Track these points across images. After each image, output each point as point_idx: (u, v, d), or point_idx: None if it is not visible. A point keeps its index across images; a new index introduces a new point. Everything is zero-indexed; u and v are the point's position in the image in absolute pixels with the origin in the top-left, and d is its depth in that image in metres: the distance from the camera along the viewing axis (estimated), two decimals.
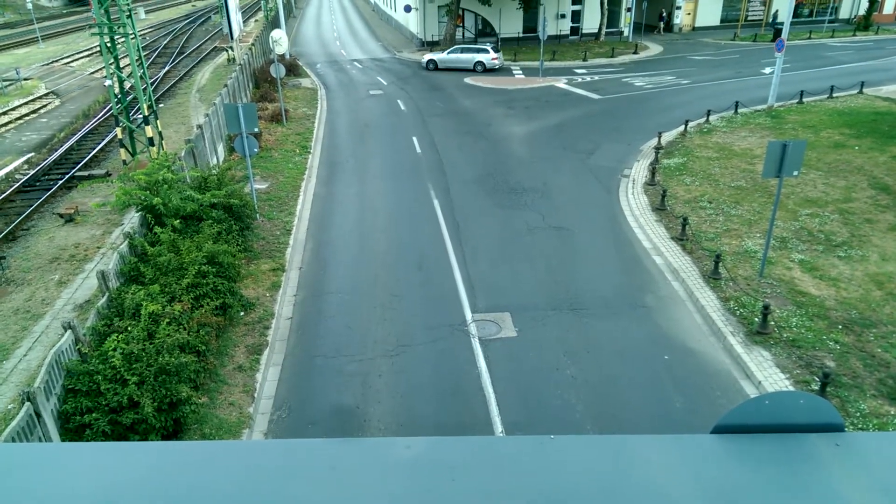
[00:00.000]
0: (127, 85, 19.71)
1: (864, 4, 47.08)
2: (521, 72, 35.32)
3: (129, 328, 8.88)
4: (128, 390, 7.90)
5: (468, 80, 33.65)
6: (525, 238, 15.37)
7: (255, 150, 15.62)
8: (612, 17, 44.97)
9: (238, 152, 15.82)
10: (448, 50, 35.76)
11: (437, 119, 26.21)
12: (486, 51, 35.12)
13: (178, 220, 11.82)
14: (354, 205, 17.69)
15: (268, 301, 12.49)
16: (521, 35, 43.50)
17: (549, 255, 14.46)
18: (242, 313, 11.82)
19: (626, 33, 44.56)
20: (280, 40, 25.25)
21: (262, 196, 17.35)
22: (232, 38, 32.04)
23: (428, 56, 36.36)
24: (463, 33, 44.34)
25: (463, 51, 35.70)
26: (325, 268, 14.16)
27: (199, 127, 17.69)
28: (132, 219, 15.08)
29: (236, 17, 31.93)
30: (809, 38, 42.86)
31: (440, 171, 20.02)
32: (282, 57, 27.36)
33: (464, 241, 15.22)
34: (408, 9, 44.44)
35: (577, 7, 44.52)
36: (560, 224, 16.11)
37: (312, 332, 11.77)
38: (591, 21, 44.40)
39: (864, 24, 46.15)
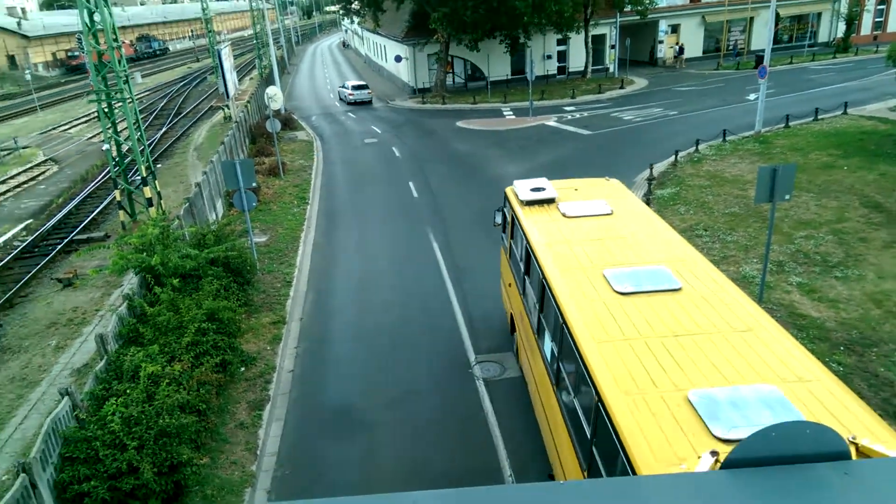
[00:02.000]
0: (125, 148, 20.14)
1: (842, 27, 48.24)
2: (511, 113, 35.98)
3: (127, 391, 8.87)
4: (127, 455, 7.84)
5: (460, 123, 34.26)
6: None
7: (254, 204, 15.85)
8: (597, 54, 46.04)
9: (237, 207, 16.03)
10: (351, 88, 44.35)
11: (432, 163, 26.60)
12: (366, 87, 45.19)
13: (177, 279, 11.92)
14: (354, 252, 17.83)
15: (269, 354, 12.47)
16: (509, 77, 44.46)
17: None
18: (243, 369, 11.80)
19: (611, 69, 45.54)
20: (275, 96, 25.86)
21: (261, 249, 17.50)
22: (228, 97, 32.80)
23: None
24: (453, 79, 45.35)
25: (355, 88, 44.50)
26: (326, 317, 14.18)
27: (198, 185, 17.98)
28: (131, 280, 15.19)
29: (231, 77, 32.77)
30: (791, 62, 43.74)
31: (438, 215, 20.22)
32: (277, 112, 27.96)
33: (464, 282, 15.28)
34: (398, 59, 45.58)
35: (562, 47, 45.62)
36: None
37: (315, 383, 11.72)
38: (577, 59, 45.43)
39: (843, 46, 47.15)
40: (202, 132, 35.45)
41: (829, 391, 5.67)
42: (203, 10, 42.75)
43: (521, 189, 10.71)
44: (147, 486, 7.80)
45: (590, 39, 43.85)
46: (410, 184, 23.71)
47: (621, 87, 39.78)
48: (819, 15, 49.36)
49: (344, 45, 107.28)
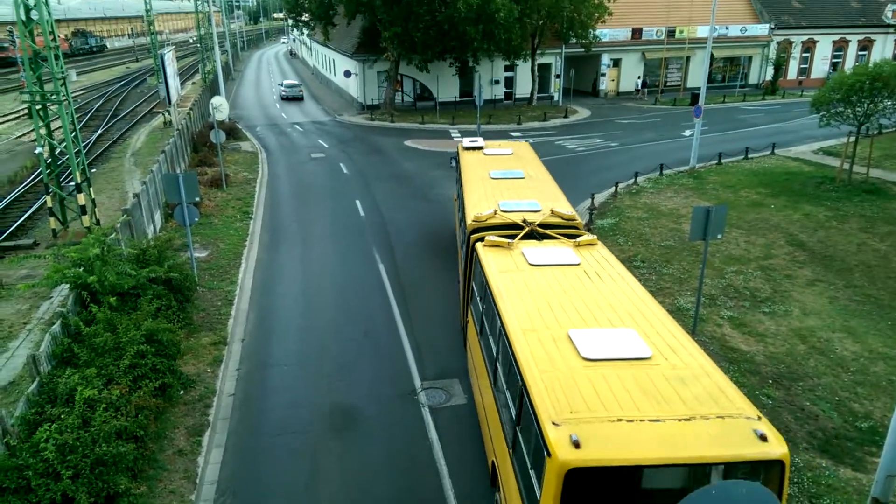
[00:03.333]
0: (57, 150, 19.18)
1: (771, 71, 51.54)
2: (459, 134, 36.43)
3: (62, 416, 8.43)
4: (62, 485, 7.45)
5: (408, 142, 34.46)
6: None
7: (196, 219, 15.41)
8: (542, 82, 47.37)
9: (177, 222, 15.54)
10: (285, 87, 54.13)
11: (379, 181, 26.59)
12: (298, 86, 55.53)
13: (114, 298, 11.43)
14: (299, 270, 17.57)
15: (209, 377, 12.11)
16: (458, 99, 45.08)
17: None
18: (182, 392, 11.41)
19: (556, 98, 46.91)
20: (220, 107, 25.28)
21: (202, 265, 17.00)
22: (170, 102, 31.79)
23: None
24: (402, 98, 45.60)
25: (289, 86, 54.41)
26: (269, 338, 13.90)
27: (136, 196, 17.33)
28: (62, 291, 14.45)
29: (174, 83, 31.80)
30: (724, 102, 46.31)
31: (384, 234, 20.22)
32: (221, 122, 27.33)
33: (410, 304, 15.31)
34: (348, 74, 45.47)
35: (509, 74, 46.70)
36: None
37: (257, 408, 11.45)
38: (524, 86, 46.60)
39: (771, 89, 50.37)
40: (141, 137, 34.21)
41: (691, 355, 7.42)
42: (146, 10, 41.40)
43: (465, 142, 18.45)
44: None
45: (536, 68, 45.12)
46: (357, 201, 23.62)
47: (565, 116, 41.03)
48: (750, 58, 52.55)
49: (291, 54, 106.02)
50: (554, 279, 9.28)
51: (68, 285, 12.37)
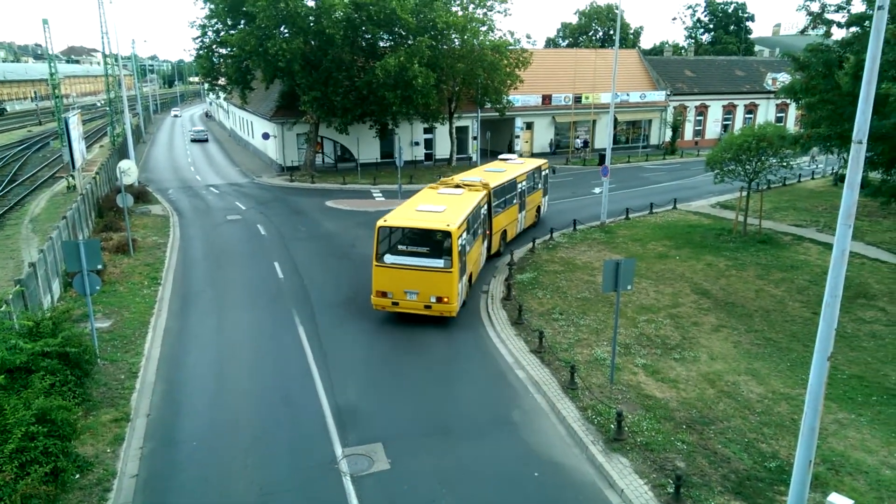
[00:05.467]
0: None
1: (669, 133, 55.61)
2: (381, 195, 36.75)
3: None
4: None
5: (330, 203, 34.34)
6: (393, 362, 15.37)
7: (98, 287, 14.52)
8: (461, 144, 48.93)
9: (77, 291, 14.59)
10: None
11: (299, 242, 26.19)
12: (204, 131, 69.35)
13: (2, 376, 10.45)
14: (211, 338, 16.78)
15: (109, 458, 11.16)
16: (379, 160, 45.70)
17: (418, 378, 14.53)
18: (78, 476, 10.43)
19: (474, 158, 48.42)
20: (129, 170, 24.40)
21: (104, 336, 15.94)
22: (74, 166, 30.39)
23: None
24: (323, 159, 45.71)
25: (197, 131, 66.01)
26: (177, 412, 13.05)
27: (32, 265, 16.19)
28: None
29: (79, 147, 30.52)
30: (628, 161, 49.35)
31: (304, 297, 19.77)
32: (130, 186, 26.31)
33: (332, 369, 14.89)
34: (266, 136, 45.24)
35: (429, 136, 48.00)
36: (429, 344, 16.36)
37: (162, 489, 10.60)
38: (443, 148, 47.94)
39: (671, 149, 54.24)
40: (41, 202, 32.35)
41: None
42: (51, 74, 39.90)
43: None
44: None
45: (454, 130, 46.63)
46: (276, 263, 23.10)
47: None
48: (650, 121, 56.59)
49: (207, 116, 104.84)
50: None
51: None
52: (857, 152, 7.32)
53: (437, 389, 14.04)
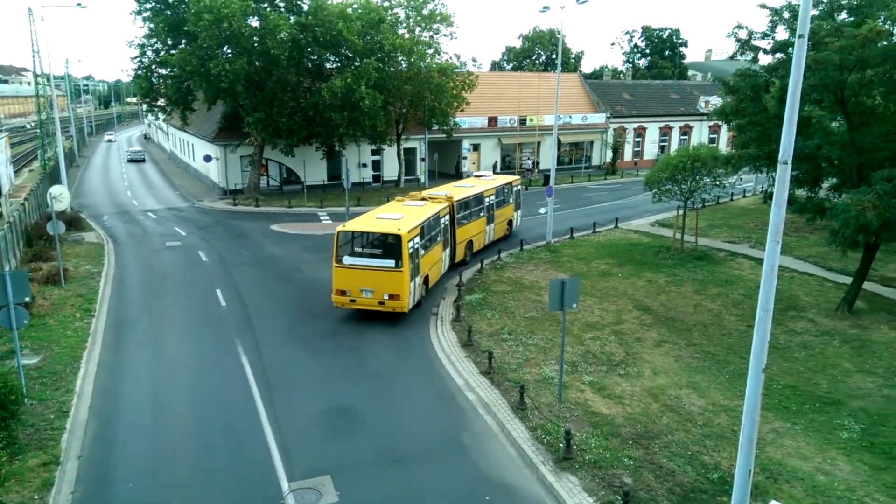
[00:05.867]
0: None
1: (610, 154, 57.34)
2: (328, 217, 36.37)
3: None
4: None
5: (275, 227, 33.74)
6: (341, 388, 15.08)
7: (25, 322, 13.74)
8: (409, 165, 49.04)
9: (3, 325, 13.76)
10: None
11: (243, 268, 25.56)
12: (141, 151, 72.15)
13: None
14: (148, 372, 16.07)
15: None
16: (326, 182, 45.29)
17: (367, 404, 14.29)
18: None
19: (422, 180, 48.64)
20: (60, 196, 23.36)
21: (32, 374, 15.05)
22: (0, 193, 28.87)
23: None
24: (268, 182, 44.96)
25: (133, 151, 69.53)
26: (112, 452, 12.38)
27: None
28: None
29: (6, 171, 29.07)
30: (572, 181, 50.54)
31: (248, 324, 19.24)
32: (62, 213, 25.17)
33: (276, 399, 14.48)
34: (208, 158, 44.19)
35: (376, 157, 47.94)
36: (377, 369, 16.15)
37: None
38: (391, 169, 47.94)
39: (611, 169, 55.88)
40: None
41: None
42: None
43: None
44: None
45: (402, 152, 46.76)
46: (218, 291, 22.44)
47: None
48: (592, 143, 58.22)
49: (146, 138, 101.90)
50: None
51: None
52: (784, 172, 7.70)
53: (386, 416, 13.84)
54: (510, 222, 31.03)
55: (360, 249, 19.54)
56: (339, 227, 19.60)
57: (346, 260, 19.19)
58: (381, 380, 15.61)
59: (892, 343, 17.40)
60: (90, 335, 18.03)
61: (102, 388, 15.03)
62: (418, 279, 20.05)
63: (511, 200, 30.78)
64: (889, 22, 17.25)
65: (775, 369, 15.70)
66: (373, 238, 19.76)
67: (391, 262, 18.88)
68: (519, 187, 31.94)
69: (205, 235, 31.67)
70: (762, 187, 42.85)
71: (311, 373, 15.98)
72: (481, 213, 27.33)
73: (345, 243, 19.38)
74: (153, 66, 41.88)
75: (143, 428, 13.28)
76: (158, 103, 45.27)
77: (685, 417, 13.49)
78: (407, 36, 42.43)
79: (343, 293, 19.19)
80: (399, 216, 20.52)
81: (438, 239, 22.53)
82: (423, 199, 24.18)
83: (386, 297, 18.81)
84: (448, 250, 24.07)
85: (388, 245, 19.16)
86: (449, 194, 24.89)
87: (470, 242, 26.34)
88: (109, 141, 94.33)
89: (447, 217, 23.88)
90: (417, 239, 19.83)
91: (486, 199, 27.78)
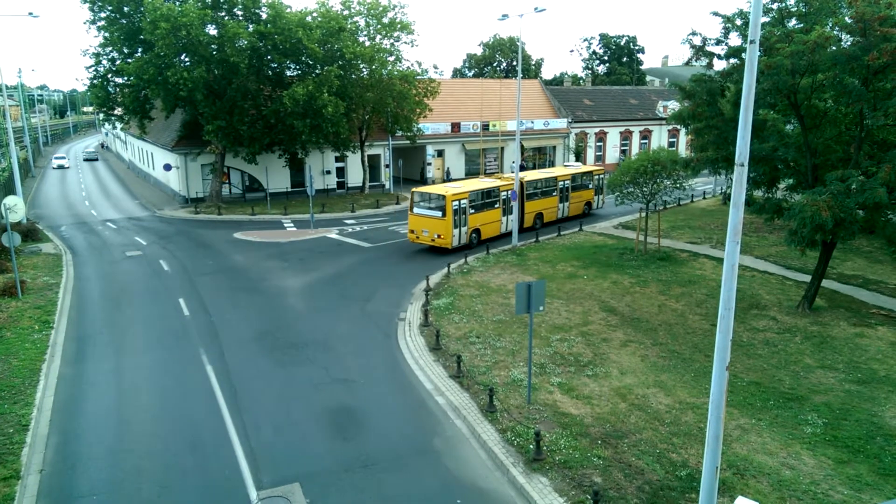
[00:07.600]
0: None
1: (572, 158, 58.09)
2: (292, 225, 35.97)
3: None
4: None
5: (238, 235, 33.22)
6: (309, 396, 14.92)
7: None
8: (373, 172, 48.89)
9: None
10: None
11: (206, 277, 25.09)
12: (95, 153, 79.14)
13: None
14: (111, 384, 15.64)
15: None
16: (289, 189, 44.80)
17: (336, 411, 14.16)
18: None
19: (387, 186, 48.53)
20: (15, 207, 22.57)
21: None
22: None
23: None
24: (230, 189, 44.27)
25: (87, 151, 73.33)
26: (74, 466, 12.01)
27: None
28: None
29: None
30: None
31: (212, 334, 18.89)
32: (17, 224, 24.35)
33: (243, 408, 14.24)
34: (168, 167, 43.31)
35: (340, 164, 47.65)
36: (345, 376, 16.02)
37: None
38: (355, 176, 47.71)
39: None
40: None
41: None
42: None
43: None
44: None
45: (366, 158, 46.58)
46: (181, 300, 21.99)
47: (397, 203, 42.41)
48: (555, 147, 58.93)
49: (103, 147, 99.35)
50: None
51: None
52: (740, 174, 7.92)
53: (356, 422, 13.73)
54: (588, 203, 36.98)
55: (424, 203, 28.37)
56: (413, 189, 29.37)
57: (415, 210, 28.34)
58: (349, 386, 15.50)
59: (852, 339, 18.00)
60: (49, 347, 17.46)
61: (63, 401, 14.57)
62: (464, 229, 28.24)
63: (591, 186, 37.01)
64: (836, 28, 17.94)
65: (739, 367, 16.11)
66: (431, 196, 28.32)
67: (439, 214, 27.51)
68: (601, 176, 37.75)
69: (166, 245, 31.00)
70: (721, 189, 44.00)
71: (279, 381, 15.77)
72: (553, 193, 33.85)
73: (417, 201, 28.48)
74: (109, 75, 40.85)
75: (105, 441, 12.91)
76: (115, 112, 44.20)
77: (653, 416, 13.73)
78: (367, 44, 42.34)
79: (412, 232, 28.57)
80: (457, 186, 28.98)
81: (496, 206, 30.07)
82: (495, 179, 32.00)
83: (436, 236, 27.58)
84: (512, 216, 30.13)
85: (438, 201, 27.68)
86: (521, 177, 31.07)
87: (540, 214, 33.01)
88: (62, 167, 68.78)
89: (507, 193, 30.09)
90: (465, 201, 28.20)
91: (560, 183, 34.20)
